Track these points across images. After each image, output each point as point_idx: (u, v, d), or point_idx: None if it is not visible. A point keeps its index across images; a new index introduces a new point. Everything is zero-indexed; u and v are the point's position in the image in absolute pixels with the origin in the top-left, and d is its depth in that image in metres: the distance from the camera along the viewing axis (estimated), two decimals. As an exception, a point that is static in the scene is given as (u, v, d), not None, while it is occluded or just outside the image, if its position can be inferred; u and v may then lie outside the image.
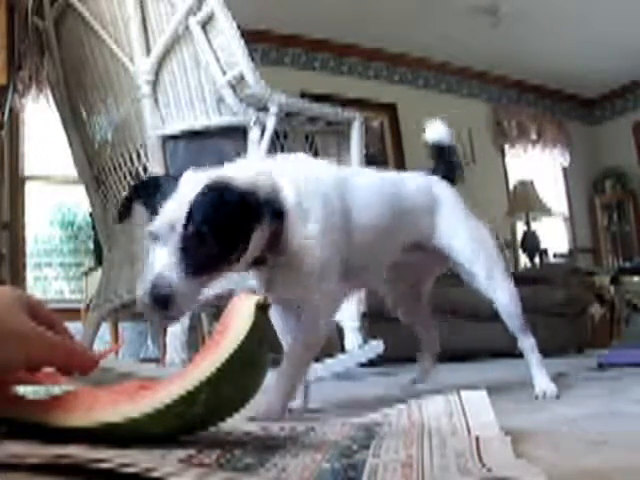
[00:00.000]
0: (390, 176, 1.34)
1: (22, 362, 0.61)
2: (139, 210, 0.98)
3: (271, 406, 0.98)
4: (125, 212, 1.00)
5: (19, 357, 0.59)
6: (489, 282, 1.32)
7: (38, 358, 0.61)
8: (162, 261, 0.86)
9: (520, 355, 1.41)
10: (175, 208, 0.87)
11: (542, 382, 1.28)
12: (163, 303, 0.84)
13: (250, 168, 1.02)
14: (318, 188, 1.07)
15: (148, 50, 2.01)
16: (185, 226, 0.86)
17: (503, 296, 1.34)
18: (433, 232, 1.30)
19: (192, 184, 0.90)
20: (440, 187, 1.36)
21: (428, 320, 1.52)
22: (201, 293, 0.91)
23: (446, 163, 1.44)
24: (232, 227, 0.90)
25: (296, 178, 1.05)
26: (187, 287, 0.86)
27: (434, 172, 1.43)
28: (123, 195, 0.97)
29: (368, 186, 1.20)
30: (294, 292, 1.08)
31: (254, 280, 1.13)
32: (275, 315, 1.19)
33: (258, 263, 1.02)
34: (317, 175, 1.11)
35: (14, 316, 0.59)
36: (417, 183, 1.33)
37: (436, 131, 1.48)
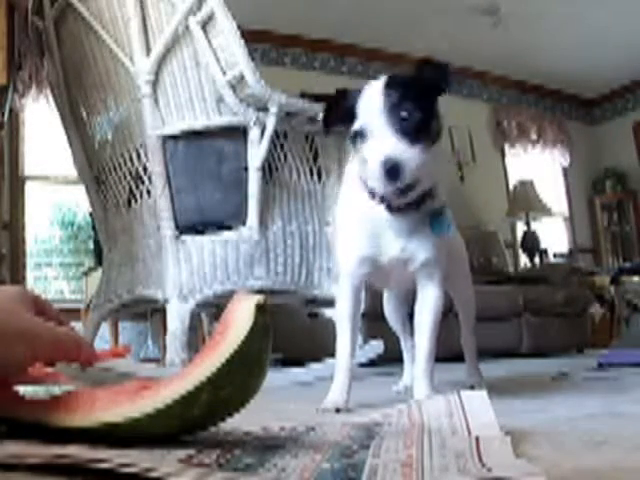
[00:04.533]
0: None
1: (28, 360, 0.61)
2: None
3: (426, 386, 1.12)
4: (332, 120, 1.14)
5: (24, 355, 0.59)
6: (458, 282, 1.47)
7: (47, 352, 0.62)
8: (381, 145, 1.00)
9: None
10: (373, 100, 1.03)
11: (476, 378, 1.50)
12: (397, 176, 0.98)
13: None
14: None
15: (148, 50, 2.00)
16: (387, 107, 1.01)
17: (471, 301, 1.53)
18: None
19: (375, 85, 1.05)
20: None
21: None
22: (423, 161, 1.01)
23: None
24: (422, 97, 1.05)
25: None
26: (412, 155, 0.99)
27: None
28: (325, 108, 1.16)
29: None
30: (423, 256, 1.15)
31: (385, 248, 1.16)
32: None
33: (421, 202, 1.11)
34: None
35: (18, 314, 0.59)
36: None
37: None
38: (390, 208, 1.10)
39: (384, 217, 1.11)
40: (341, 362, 1.18)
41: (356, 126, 1.04)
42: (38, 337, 0.60)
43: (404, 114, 1.02)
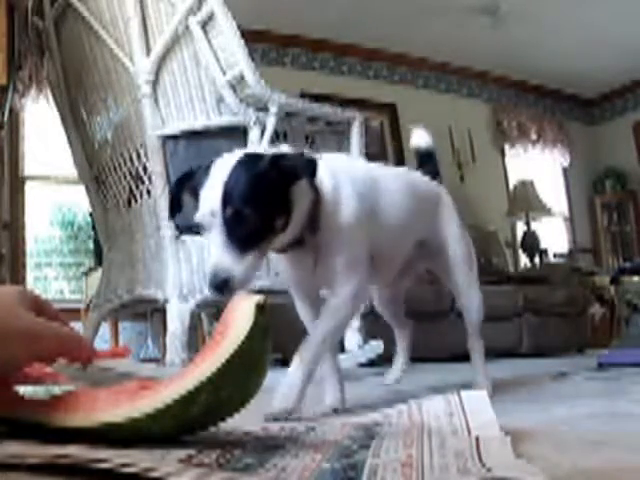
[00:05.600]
0: (408, 174, 1.40)
1: (27, 359, 0.61)
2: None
3: (290, 389, 1.01)
4: (176, 207, 1.04)
5: (23, 354, 0.59)
6: (468, 288, 1.42)
7: (47, 351, 0.62)
8: (214, 249, 0.91)
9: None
10: (211, 194, 0.91)
11: (483, 383, 1.38)
12: (225, 289, 0.89)
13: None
14: (352, 176, 1.11)
15: (148, 50, 2.00)
16: (223, 209, 0.90)
17: (476, 303, 1.43)
18: (436, 230, 1.39)
19: (223, 166, 0.93)
20: (441, 192, 1.45)
21: (405, 319, 1.61)
22: (258, 267, 0.94)
23: (430, 168, 1.54)
24: (269, 194, 0.93)
25: (332, 164, 1.09)
26: (242, 267, 0.90)
27: None
28: (169, 191, 1.12)
29: (394, 182, 1.26)
30: (326, 276, 1.09)
31: (287, 270, 1.14)
32: (303, 312, 1.22)
33: (297, 244, 1.04)
34: (351, 165, 1.18)
35: (17, 314, 0.59)
36: (426, 183, 1.42)
37: (421, 138, 1.59)
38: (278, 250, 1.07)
39: (280, 256, 1.11)
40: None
41: (197, 217, 0.93)
42: (37, 336, 0.60)
43: (242, 220, 0.91)
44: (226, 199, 0.90)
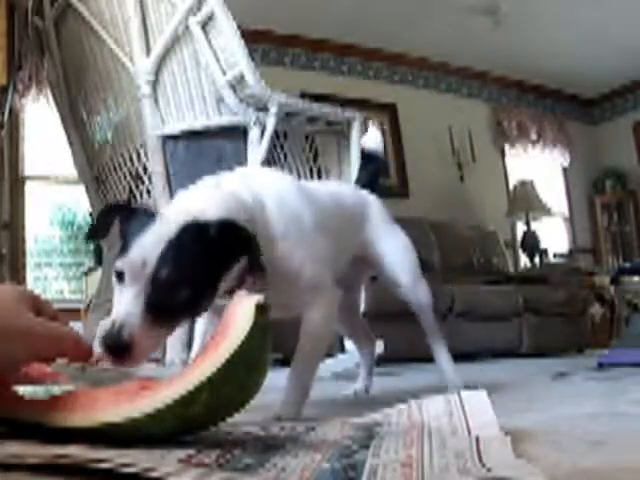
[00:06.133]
0: (335, 190, 1.37)
1: (25, 358, 0.61)
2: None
3: (287, 406, 0.99)
4: (102, 231, 0.92)
5: (22, 354, 0.60)
6: (414, 287, 1.41)
7: (46, 350, 0.62)
8: (126, 304, 0.76)
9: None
10: (148, 246, 0.78)
11: (453, 376, 1.42)
12: (119, 352, 0.73)
13: (228, 194, 0.94)
14: (280, 197, 1.06)
15: (148, 50, 2.00)
16: (158, 267, 0.77)
17: (425, 299, 1.43)
18: (368, 242, 1.38)
19: (169, 222, 0.81)
20: (368, 200, 1.42)
21: (366, 332, 1.57)
22: (162, 342, 0.81)
23: (371, 172, 1.54)
24: (208, 270, 0.82)
25: (255, 183, 1.04)
26: (148, 336, 0.76)
27: (357, 179, 1.54)
28: (98, 213, 0.92)
29: (326, 200, 1.22)
30: (286, 301, 1.07)
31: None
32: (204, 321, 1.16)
33: (231, 292, 0.85)
34: (278, 183, 1.10)
35: (16, 313, 0.60)
36: (352, 197, 1.39)
37: (371, 139, 1.57)
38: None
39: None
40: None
41: (122, 261, 0.79)
42: (36, 335, 0.60)
43: (173, 288, 0.78)
44: (165, 257, 0.77)
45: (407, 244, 1.44)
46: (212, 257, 0.82)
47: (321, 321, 1.08)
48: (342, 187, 1.46)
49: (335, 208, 1.24)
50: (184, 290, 0.78)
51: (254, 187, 1.02)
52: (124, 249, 0.80)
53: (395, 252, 1.40)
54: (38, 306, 0.64)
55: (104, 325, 0.74)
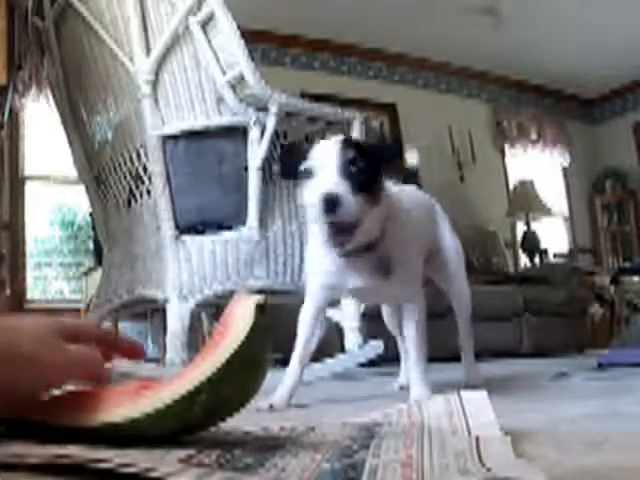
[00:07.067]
0: (419, 194, 1.56)
1: (39, 387, 0.58)
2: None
3: (421, 390, 1.20)
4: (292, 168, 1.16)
5: (26, 381, 0.56)
6: (458, 282, 1.54)
7: (53, 377, 0.59)
8: (326, 183, 1.05)
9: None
10: (326, 145, 1.11)
11: (475, 377, 1.56)
12: (336, 208, 1.03)
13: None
14: (408, 200, 1.32)
15: (148, 50, 2.00)
16: (341, 152, 1.08)
17: (466, 300, 1.56)
18: (436, 239, 1.51)
19: (329, 140, 1.13)
20: (434, 203, 1.58)
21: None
22: (362, 206, 1.07)
23: (415, 184, 1.77)
24: (369, 160, 1.09)
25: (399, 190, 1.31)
26: (353, 198, 1.04)
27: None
28: (279, 155, 1.32)
29: (419, 205, 1.44)
30: (390, 289, 1.25)
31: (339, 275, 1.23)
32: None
33: (369, 249, 1.17)
34: (412, 192, 1.45)
35: (26, 341, 0.57)
36: (425, 197, 1.57)
37: (414, 158, 1.75)
38: (341, 254, 1.18)
39: (338, 259, 1.20)
40: (290, 367, 1.28)
41: (305, 164, 1.10)
42: (41, 362, 0.57)
43: (353, 164, 1.07)
44: (344, 145, 1.09)
45: (458, 242, 1.55)
46: (368, 152, 1.11)
47: (419, 310, 1.25)
48: (417, 191, 1.58)
49: (423, 212, 1.45)
50: (362, 166, 1.07)
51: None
52: (304, 156, 1.11)
53: (450, 249, 1.51)
54: (73, 332, 0.62)
55: (319, 195, 1.04)
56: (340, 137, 1.14)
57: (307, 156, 1.11)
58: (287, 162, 1.22)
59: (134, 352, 0.71)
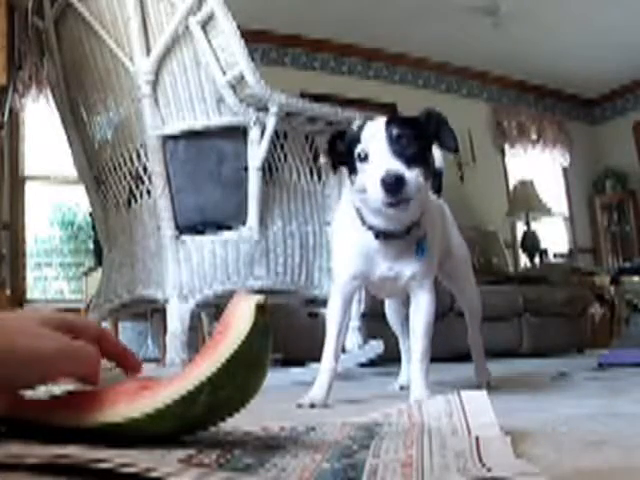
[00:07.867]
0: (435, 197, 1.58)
1: (37, 380, 0.59)
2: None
3: (422, 390, 1.18)
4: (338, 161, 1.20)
5: (33, 376, 0.57)
6: (469, 285, 1.58)
7: (48, 370, 0.59)
8: (382, 162, 1.07)
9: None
10: (374, 131, 1.11)
11: (484, 376, 1.57)
12: (398, 188, 1.04)
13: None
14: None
15: (148, 50, 2.00)
16: (388, 129, 1.09)
17: (476, 301, 1.60)
18: (446, 240, 1.52)
19: (377, 120, 1.14)
20: (446, 207, 1.60)
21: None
22: (419, 183, 1.08)
23: (435, 186, 1.68)
24: (418, 137, 1.11)
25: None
26: (411, 173, 1.06)
27: None
28: (326, 148, 1.26)
29: (435, 204, 1.44)
30: (410, 273, 1.24)
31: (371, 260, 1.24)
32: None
33: (408, 231, 1.20)
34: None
35: (17, 335, 0.57)
36: (440, 204, 1.58)
37: (437, 158, 1.71)
38: (377, 236, 1.19)
39: (373, 242, 1.21)
40: (325, 363, 1.27)
41: (358, 149, 1.11)
42: (43, 356, 0.57)
43: (405, 143, 1.09)
44: (392, 131, 1.09)
45: (464, 246, 1.57)
46: (417, 129, 1.13)
47: (431, 302, 1.25)
48: (431, 194, 1.61)
49: (438, 214, 1.44)
50: (411, 141, 1.09)
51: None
52: (358, 140, 1.12)
53: (459, 252, 1.53)
54: (67, 325, 0.62)
55: (382, 176, 1.05)
56: (387, 117, 1.15)
57: (360, 139, 1.12)
58: (338, 152, 1.21)
59: (134, 366, 0.70)
